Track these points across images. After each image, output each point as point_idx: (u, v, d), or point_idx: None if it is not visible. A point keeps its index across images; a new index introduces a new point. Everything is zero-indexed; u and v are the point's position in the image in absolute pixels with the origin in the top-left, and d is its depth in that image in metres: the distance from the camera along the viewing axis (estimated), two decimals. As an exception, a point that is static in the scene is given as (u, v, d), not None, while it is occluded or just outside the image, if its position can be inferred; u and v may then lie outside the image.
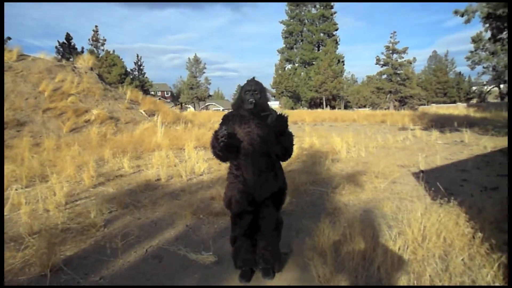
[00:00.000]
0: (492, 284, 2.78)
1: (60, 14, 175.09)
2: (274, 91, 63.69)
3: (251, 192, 2.97)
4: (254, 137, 2.95)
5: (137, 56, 67.00)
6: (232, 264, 3.22)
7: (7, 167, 7.23)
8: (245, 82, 3.13)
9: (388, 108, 54.37)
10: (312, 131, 16.62)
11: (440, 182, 6.25)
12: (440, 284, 2.82)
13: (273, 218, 3.08)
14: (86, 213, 4.85)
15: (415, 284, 2.82)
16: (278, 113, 3.00)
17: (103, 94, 15.24)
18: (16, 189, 5.91)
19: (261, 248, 3.09)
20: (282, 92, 63.49)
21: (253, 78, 3.16)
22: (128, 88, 18.28)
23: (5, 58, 13.55)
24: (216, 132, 2.88)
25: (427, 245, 3.29)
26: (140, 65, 66.30)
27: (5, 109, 10.82)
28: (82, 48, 53.28)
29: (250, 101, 2.95)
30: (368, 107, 58.82)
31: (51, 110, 12.45)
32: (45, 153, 8.95)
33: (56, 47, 51.44)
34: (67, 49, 50.64)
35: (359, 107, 60.64)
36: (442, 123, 19.63)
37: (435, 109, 40.93)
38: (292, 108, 57.16)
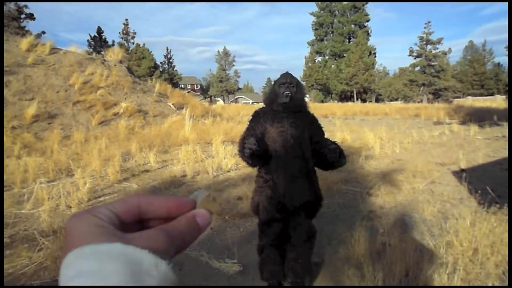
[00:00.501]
0: None
1: (93, 8, 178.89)
2: (304, 84, 62.78)
3: (281, 199, 2.65)
4: (287, 138, 2.64)
5: (167, 49, 67.25)
6: (258, 275, 2.90)
7: (36, 160, 7.22)
8: (279, 76, 2.84)
9: (421, 101, 52.72)
10: (343, 125, 16.16)
11: (483, 182, 5.80)
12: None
13: (305, 228, 2.75)
14: (107, 212, 4.68)
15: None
16: (336, 144, 2.64)
17: (131, 87, 15.21)
18: (40, 183, 5.81)
19: (290, 260, 2.77)
20: (312, 85, 62.65)
21: (287, 72, 2.87)
22: (157, 81, 18.21)
23: (38, 51, 13.72)
24: (243, 137, 2.62)
25: (481, 261, 2.90)
26: (170, 58, 66.59)
27: (37, 101, 10.88)
28: (113, 41, 53.82)
29: (286, 94, 2.67)
30: (400, 100, 57.27)
31: (80, 103, 12.50)
32: (73, 146, 8.92)
33: (87, 40, 52.15)
34: (98, 43, 51.24)
35: (391, 100, 59.19)
36: (480, 117, 18.62)
37: (471, 101, 39.28)
38: (322, 101, 56.45)
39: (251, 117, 2.84)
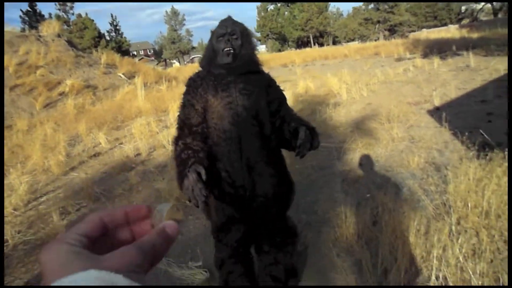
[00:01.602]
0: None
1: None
2: (259, 35, 61.33)
3: (240, 193, 1.95)
4: (238, 110, 1.90)
5: (112, 16, 63.34)
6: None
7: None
8: (218, 24, 2.03)
9: (378, 39, 52.47)
10: (304, 73, 15.58)
11: (464, 120, 5.40)
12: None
13: (278, 224, 2.10)
14: (48, 216, 3.95)
15: None
16: (303, 123, 1.96)
17: (75, 62, 13.96)
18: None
19: (267, 265, 2.13)
20: (268, 35, 61.21)
21: (229, 17, 2.07)
22: (103, 51, 16.87)
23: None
24: (179, 133, 1.95)
25: (501, 228, 2.37)
26: (116, 25, 62.90)
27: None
28: (50, 14, 50.13)
29: (227, 51, 1.89)
30: (357, 41, 56.81)
31: (19, 87, 11.31)
32: (15, 137, 7.96)
33: (20, 16, 48.14)
34: (33, 18, 47.47)
35: (348, 41, 58.65)
36: (439, 49, 18.28)
37: (426, 34, 39.14)
38: (280, 50, 55.32)
39: (185, 88, 2.04)
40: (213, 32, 2.02)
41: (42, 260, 0.37)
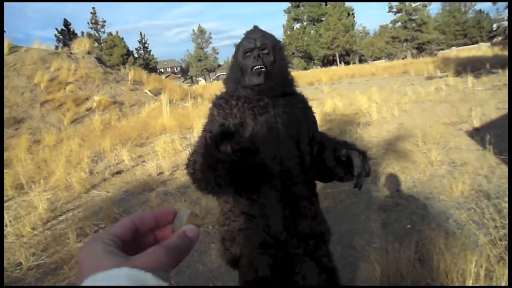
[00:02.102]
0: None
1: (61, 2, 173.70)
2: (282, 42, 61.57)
3: (278, 241, 1.53)
4: (280, 137, 1.52)
5: (141, 34, 65.05)
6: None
7: None
8: (243, 36, 1.64)
9: (406, 57, 51.81)
10: (331, 91, 15.31)
11: (506, 141, 5.00)
12: None
13: (322, 275, 1.63)
14: (64, 237, 3.77)
15: None
16: (358, 151, 1.57)
17: (103, 78, 14.14)
18: (-9, 207, 4.89)
19: None
20: (293, 53, 61.35)
21: (256, 27, 1.68)
22: (131, 68, 17.09)
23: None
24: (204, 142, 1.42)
25: None
26: (145, 43, 64.51)
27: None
28: (82, 32, 51.86)
29: (258, 70, 1.50)
30: (384, 59, 56.27)
31: (49, 103, 11.49)
32: (41, 152, 7.97)
33: (55, 35, 50.12)
34: (67, 36, 49.21)
35: (374, 60, 58.18)
36: (472, 67, 17.68)
37: (455, 52, 38.38)
38: (305, 69, 55.27)
39: (214, 109, 1.61)
40: (238, 47, 1.65)
41: (79, 256, 0.40)
